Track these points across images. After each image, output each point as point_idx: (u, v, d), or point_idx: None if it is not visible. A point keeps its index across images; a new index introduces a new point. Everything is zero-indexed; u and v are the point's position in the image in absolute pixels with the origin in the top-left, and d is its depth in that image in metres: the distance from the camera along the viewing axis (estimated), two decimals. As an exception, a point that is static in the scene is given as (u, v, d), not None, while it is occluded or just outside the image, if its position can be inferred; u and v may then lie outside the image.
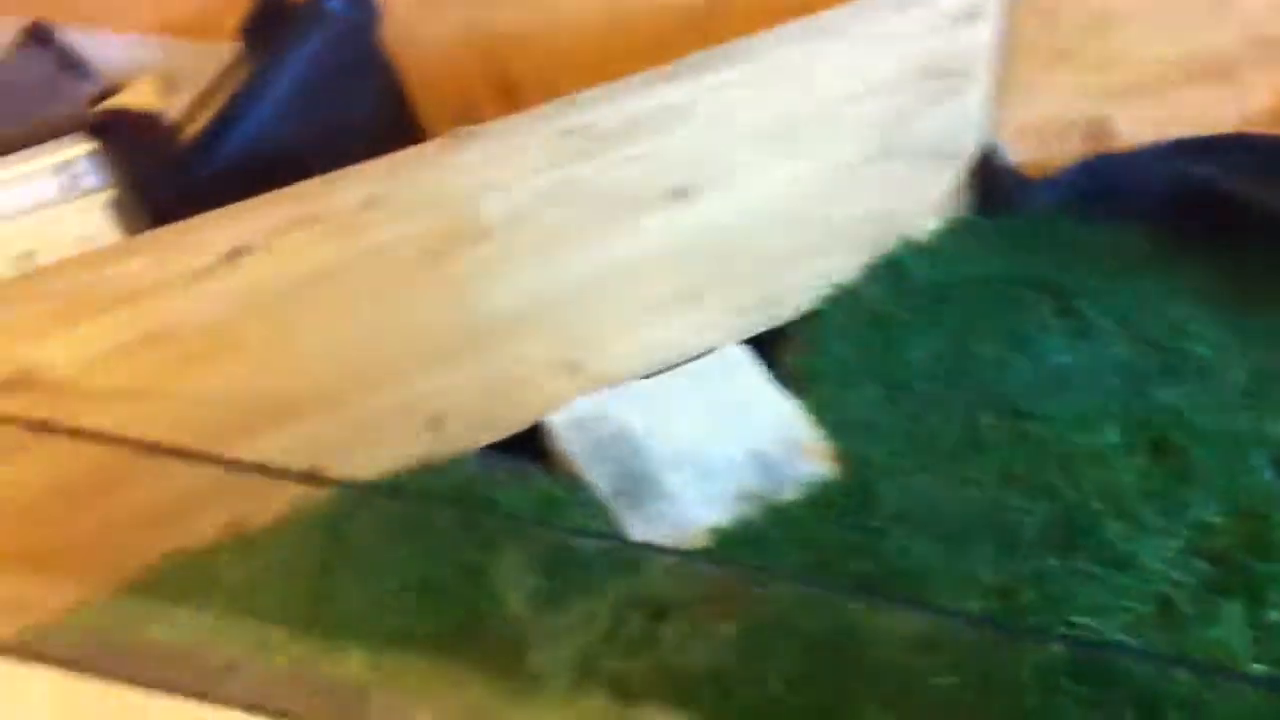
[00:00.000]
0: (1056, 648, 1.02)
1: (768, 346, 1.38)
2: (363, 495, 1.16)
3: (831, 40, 1.23)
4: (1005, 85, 1.40)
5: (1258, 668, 1.01)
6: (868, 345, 1.32)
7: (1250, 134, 1.39)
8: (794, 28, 1.23)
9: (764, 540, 1.15)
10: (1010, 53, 1.37)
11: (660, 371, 1.33)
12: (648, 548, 1.14)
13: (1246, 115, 1.39)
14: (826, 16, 1.24)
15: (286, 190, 1.08)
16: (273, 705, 1.00)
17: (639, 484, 1.20)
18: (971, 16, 1.30)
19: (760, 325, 1.38)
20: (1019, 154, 1.45)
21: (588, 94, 1.16)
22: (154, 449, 0.96)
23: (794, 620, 1.06)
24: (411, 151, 1.13)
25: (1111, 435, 1.18)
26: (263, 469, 0.98)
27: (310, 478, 1.13)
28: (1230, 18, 1.34)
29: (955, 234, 1.43)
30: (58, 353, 1.02)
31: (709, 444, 1.25)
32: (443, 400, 1.22)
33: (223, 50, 1.53)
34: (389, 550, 1.13)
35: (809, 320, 1.38)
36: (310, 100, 1.38)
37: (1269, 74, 1.36)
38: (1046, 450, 1.18)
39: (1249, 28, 1.34)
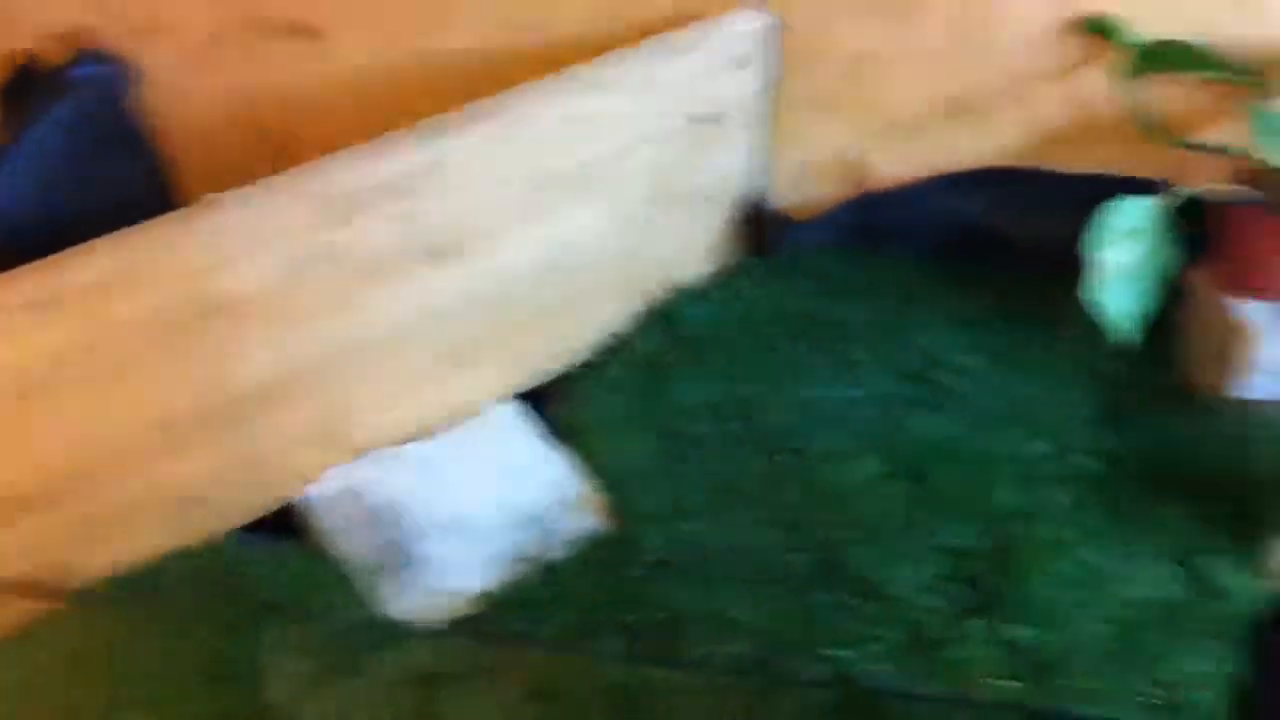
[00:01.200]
0: (820, 691, 1.03)
1: (543, 401, 1.36)
2: (98, 599, 1.10)
3: (593, 92, 1.23)
4: (772, 131, 1.42)
5: (1011, 685, 1.03)
6: (640, 393, 1.33)
7: (1005, 167, 1.43)
8: (550, 81, 1.23)
9: (534, 601, 1.14)
10: (776, 99, 1.39)
11: (428, 436, 1.30)
12: (398, 625, 1.11)
13: (1000, 149, 1.43)
14: (588, 69, 1.25)
15: (14, 271, 1.03)
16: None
17: (401, 554, 1.17)
18: (739, 65, 1.31)
19: (534, 380, 1.37)
20: (787, 197, 1.48)
21: (336, 157, 1.14)
22: None
23: (561, 684, 1.06)
24: (153, 223, 1.09)
25: (871, 467, 1.21)
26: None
27: (34, 589, 1.07)
28: (982, 58, 1.38)
29: (725, 278, 1.45)
30: None
31: (477, 507, 1.23)
32: (192, 482, 1.17)
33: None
34: (139, 651, 1.09)
35: (583, 371, 1.38)
36: (58, 171, 1.34)
37: (1019, 110, 1.41)
38: (808, 486, 1.20)
39: (1000, 67, 1.38)
